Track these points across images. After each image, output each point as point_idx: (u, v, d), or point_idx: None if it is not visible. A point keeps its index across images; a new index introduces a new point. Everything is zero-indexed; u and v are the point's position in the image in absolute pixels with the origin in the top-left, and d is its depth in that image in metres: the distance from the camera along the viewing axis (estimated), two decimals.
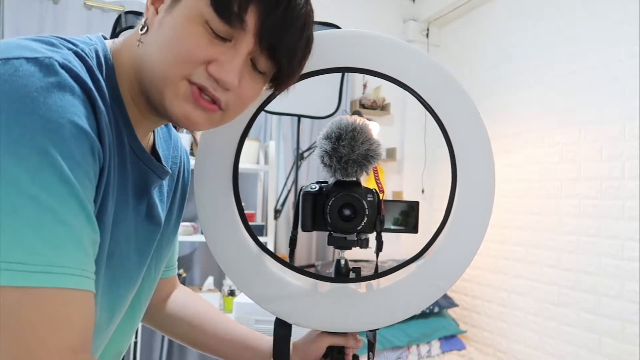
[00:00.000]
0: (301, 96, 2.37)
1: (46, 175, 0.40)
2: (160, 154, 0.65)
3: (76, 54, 0.49)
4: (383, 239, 0.71)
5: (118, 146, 0.53)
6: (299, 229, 0.72)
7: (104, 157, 0.47)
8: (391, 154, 3.40)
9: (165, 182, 0.67)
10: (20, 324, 0.38)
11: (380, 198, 0.70)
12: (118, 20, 1.84)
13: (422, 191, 3.46)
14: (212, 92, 0.51)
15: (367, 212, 0.69)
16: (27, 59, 0.43)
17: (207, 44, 0.49)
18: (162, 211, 0.66)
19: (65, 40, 0.50)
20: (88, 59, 0.49)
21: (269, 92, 0.65)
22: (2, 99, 0.40)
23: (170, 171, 0.64)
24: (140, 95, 0.55)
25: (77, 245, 0.42)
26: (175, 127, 0.75)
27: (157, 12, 0.53)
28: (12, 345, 0.38)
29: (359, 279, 0.72)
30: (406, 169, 3.50)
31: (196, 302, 0.85)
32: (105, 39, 0.57)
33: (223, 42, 0.50)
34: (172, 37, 0.49)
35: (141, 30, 0.53)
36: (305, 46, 0.55)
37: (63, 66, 0.44)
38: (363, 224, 0.69)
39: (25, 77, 0.42)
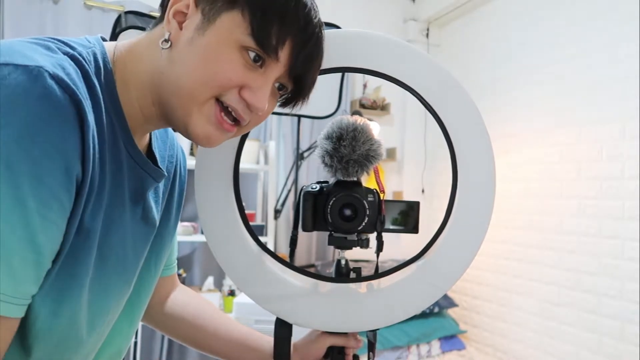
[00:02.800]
0: None
1: (1, 190, 0.40)
2: (157, 154, 0.65)
3: (72, 57, 0.48)
4: (383, 239, 0.71)
5: (113, 152, 0.53)
6: (300, 229, 0.72)
7: (84, 171, 0.46)
8: (391, 154, 3.40)
9: (160, 183, 0.67)
10: None
11: (381, 198, 0.70)
12: (118, 21, 1.84)
13: (422, 191, 3.46)
14: (241, 114, 0.54)
15: (367, 212, 0.69)
16: (16, 66, 0.42)
17: (242, 70, 0.51)
18: (157, 212, 0.66)
19: (62, 43, 0.50)
20: (85, 63, 0.49)
21: None
22: None
23: (166, 174, 0.64)
24: (152, 105, 0.56)
25: (7, 267, 0.41)
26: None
27: (181, 28, 0.52)
28: None
29: (360, 279, 0.72)
30: (406, 169, 3.50)
31: (197, 301, 0.85)
32: (104, 40, 0.57)
33: (257, 68, 0.52)
34: (207, 58, 0.50)
35: (163, 43, 0.52)
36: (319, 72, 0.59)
37: (53, 76, 0.43)
38: (364, 224, 0.69)
39: (10, 86, 0.41)
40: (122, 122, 0.54)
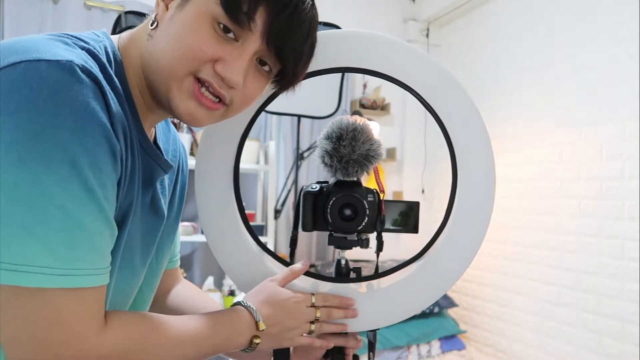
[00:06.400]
0: (301, 96, 2.36)
1: (74, 186, 0.43)
2: (162, 148, 0.66)
3: (89, 52, 0.49)
4: (383, 239, 0.71)
5: (128, 141, 0.54)
6: (300, 229, 0.72)
7: (120, 153, 0.49)
8: (391, 154, 3.40)
9: (166, 175, 0.68)
10: (39, 318, 0.43)
11: (381, 198, 0.71)
12: (118, 20, 1.84)
13: (422, 191, 3.45)
14: (217, 89, 0.53)
15: (367, 212, 0.69)
16: (48, 62, 0.43)
17: (215, 42, 0.51)
18: (164, 204, 0.66)
19: (76, 38, 0.51)
20: (101, 57, 0.50)
21: (270, 92, 0.66)
22: (26, 105, 0.41)
23: (173, 165, 0.65)
24: (147, 89, 0.57)
25: (92, 247, 0.45)
26: (175, 126, 0.76)
27: (167, 8, 0.54)
28: (40, 334, 0.43)
29: (360, 279, 0.73)
30: (406, 169, 3.50)
31: (198, 296, 0.84)
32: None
33: (231, 41, 0.52)
34: (181, 33, 0.51)
35: (151, 25, 0.54)
36: (310, 49, 0.57)
37: (83, 69, 0.45)
38: (364, 224, 0.69)
39: (48, 83, 0.42)
40: (133, 111, 0.55)
